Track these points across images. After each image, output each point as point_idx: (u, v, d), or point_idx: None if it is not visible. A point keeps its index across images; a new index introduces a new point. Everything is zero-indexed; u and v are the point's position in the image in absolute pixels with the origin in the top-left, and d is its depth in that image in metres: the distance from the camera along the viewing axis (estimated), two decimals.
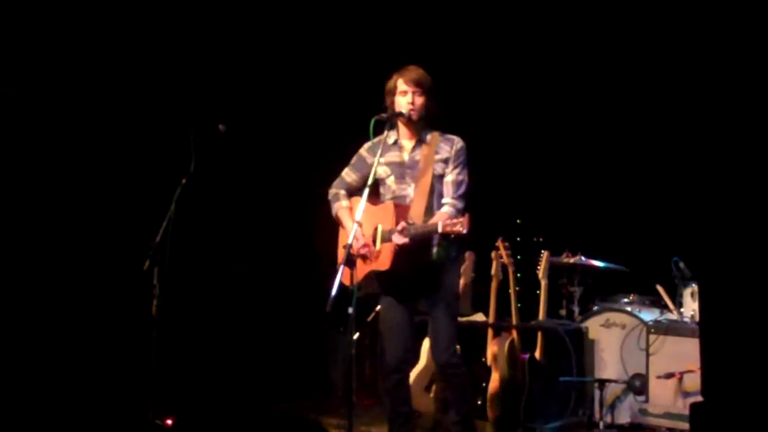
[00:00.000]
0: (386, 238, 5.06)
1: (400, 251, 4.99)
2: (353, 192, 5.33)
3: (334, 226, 5.43)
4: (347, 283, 4.77)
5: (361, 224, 4.97)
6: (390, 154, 5.25)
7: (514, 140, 7.60)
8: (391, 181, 5.23)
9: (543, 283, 6.48)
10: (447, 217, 4.98)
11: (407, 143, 5.25)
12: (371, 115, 5.02)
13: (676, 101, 6.61)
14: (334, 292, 4.59)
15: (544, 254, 6.53)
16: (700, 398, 5.17)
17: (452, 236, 4.84)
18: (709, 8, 5.37)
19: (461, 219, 4.79)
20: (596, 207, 7.37)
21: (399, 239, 4.95)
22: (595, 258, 6.85)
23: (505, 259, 6.25)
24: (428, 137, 5.22)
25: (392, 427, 5.30)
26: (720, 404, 4.79)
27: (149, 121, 6.99)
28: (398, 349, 5.21)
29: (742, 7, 5.07)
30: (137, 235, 5.67)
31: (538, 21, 7.34)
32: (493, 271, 6.27)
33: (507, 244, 6.30)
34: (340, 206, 5.32)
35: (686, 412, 5.46)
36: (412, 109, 5.13)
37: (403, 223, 4.98)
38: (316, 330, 7.53)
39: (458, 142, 5.22)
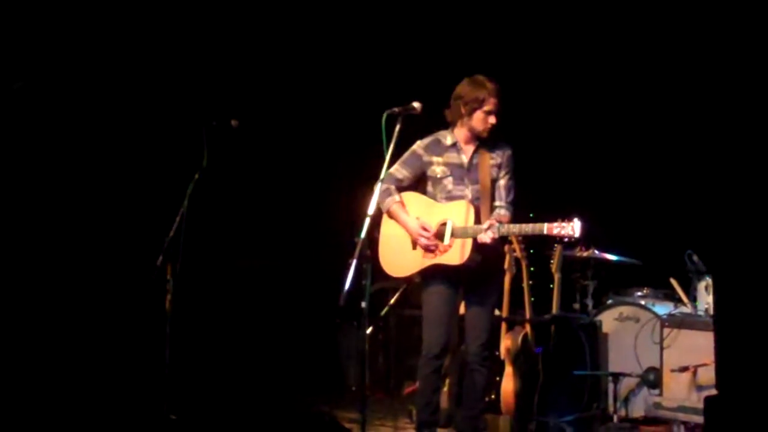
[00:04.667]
0: (460, 234, 5.18)
1: (479, 248, 5.14)
2: (401, 189, 5.42)
3: (348, 219, 5.44)
4: (396, 275, 5.23)
5: (418, 220, 5.22)
6: (449, 155, 5.36)
7: (527, 134, 7.57)
8: (448, 181, 5.33)
9: (556, 276, 6.48)
10: (507, 220, 5.25)
11: (466, 147, 5.36)
12: (383, 111, 5.01)
13: (690, 95, 6.58)
14: (347, 286, 4.60)
15: (558, 248, 6.53)
16: (714, 392, 5.15)
17: (559, 238, 5.05)
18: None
19: (570, 222, 4.99)
20: (610, 200, 7.34)
21: (488, 236, 5.07)
22: (609, 251, 6.83)
23: (518, 253, 6.24)
24: (485, 141, 5.33)
25: (421, 417, 5.36)
26: (734, 397, 4.78)
27: (162, 117, 7.01)
28: (443, 337, 5.33)
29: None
30: (151, 231, 5.68)
31: (548, 19, 7.31)
32: (506, 265, 6.26)
33: (520, 238, 6.29)
34: (393, 200, 5.39)
35: (700, 405, 5.44)
36: (490, 130, 5.28)
37: (491, 221, 5.11)
38: (329, 324, 7.54)
39: (509, 148, 5.40)
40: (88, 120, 6.83)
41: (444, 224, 5.26)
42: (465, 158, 5.34)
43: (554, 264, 6.49)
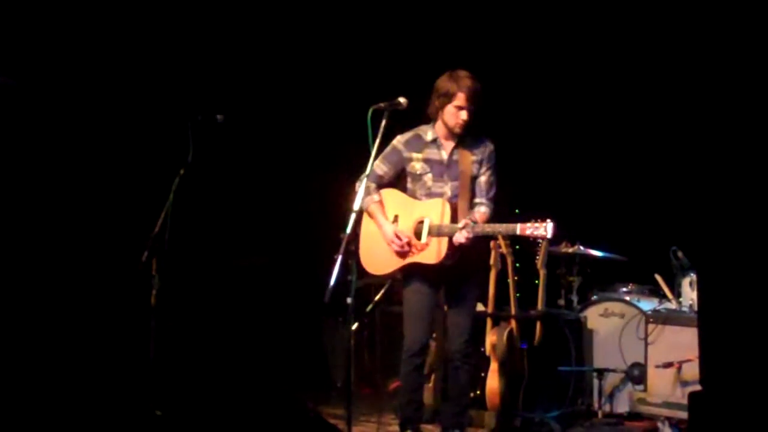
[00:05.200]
0: (436, 232, 5.15)
1: (456, 247, 5.10)
2: (382, 185, 5.39)
3: (333, 215, 5.43)
4: (375, 273, 5.19)
5: (397, 218, 5.21)
6: (428, 151, 5.33)
7: (512, 130, 7.58)
8: (428, 177, 5.30)
9: (542, 272, 6.47)
10: (485, 217, 5.20)
11: (446, 143, 5.31)
12: (369, 106, 5.00)
13: (673, 91, 6.60)
14: (332, 282, 4.60)
15: (543, 244, 6.52)
16: (698, 387, 5.17)
17: (532, 239, 5.04)
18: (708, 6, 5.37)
19: (543, 223, 4.94)
20: (595, 196, 7.36)
21: (463, 236, 5.04)
22: (594, 248, 6.85)
23: (503, 249, 6.24)
24: (465, 138, 5.29)
25: (404, 414, 5.35)
26: (718, 393, 4.80)
27: (147, 112, 6.98)
28: (423, 334, 5.33)
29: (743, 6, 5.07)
30: (136, 226, 5.66)
31: (534, 14, 7.32)
32: (491, 261, 6.27)
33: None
34: (372, 200, 5.35)
35: (685, 401, 5.46)
36: (462, 126, 5.21)
37: (466, 220, 5.08)
38: (314, 320, 7.53)
39: (490, 144, 5.33)
40: (72, 115, 6.79)
41: (421, 222, 5.24)
42: (445, 154, 5.30)
43: (540, 260, 6.49)
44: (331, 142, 7.47)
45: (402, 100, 5.11)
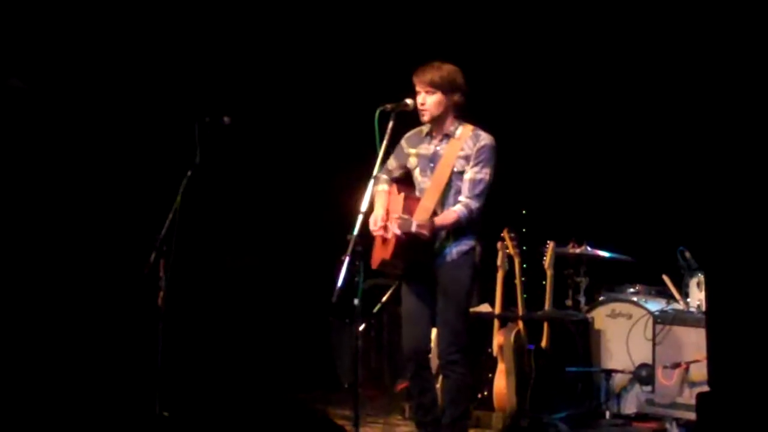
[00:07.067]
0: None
1: (400, 242, 4.99)
2: (395, 179, 5.31)
3: (341, 217, 5.42)
4: (373, 266, 4.98)
5: (366, 214, 4.96)
6: (421, 146, 5.23)
7: (520, 130, 7.59)
8: (417, 172, 5.23)
9: (549, 273, 6.48)
10: (453, 216, 5.01)
11: (436, 137, 5.21)
12: (376, 107, 5.00)
13: (681, 91, 6.59)
14: (340, 283, 4.60)
15: (550, 245, 6.53)
16: (706, 388, 5.17)
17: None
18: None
19: (428, 224, 4.86)
20: (602, 197, 7.36)
21: (395, 227, 4.94)
22: (601, 248, 6.84)
23: (511, 250, 6.24)
24: (458, 132, 5.15)
25: (415, 417, 5.32)
26: (726, 394, 4.79)
27: (154, 114, 7.00)
28: (413, 338, 5.19)
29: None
30: (143, 228, 5.68)
31: (544, 14, 7.32)
32: (499, 262, 6.27)
33: (513, 234, 6.29)
34: (377, 190, 5.22)
35: (692, 401, 5.46)
36: (422, 111, 5.11)
37: (396, 215, 4.98)
38: (321, 321, 7.53)
39: (483, 139, 5.10)
40: (80, 116, 6.82)
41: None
42: (432, 148, 5.19)
43: (547, 261, 6.50)
44: (339, 144, 7.48)
45: (409, 101, 5.11)
